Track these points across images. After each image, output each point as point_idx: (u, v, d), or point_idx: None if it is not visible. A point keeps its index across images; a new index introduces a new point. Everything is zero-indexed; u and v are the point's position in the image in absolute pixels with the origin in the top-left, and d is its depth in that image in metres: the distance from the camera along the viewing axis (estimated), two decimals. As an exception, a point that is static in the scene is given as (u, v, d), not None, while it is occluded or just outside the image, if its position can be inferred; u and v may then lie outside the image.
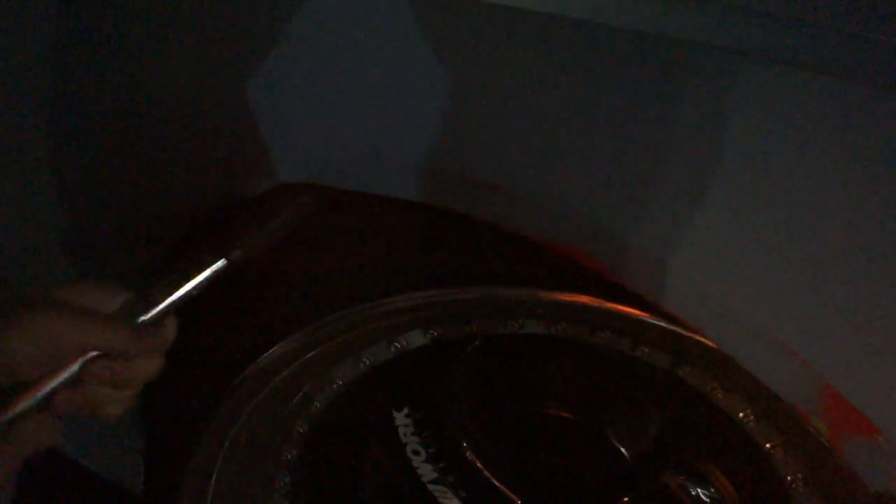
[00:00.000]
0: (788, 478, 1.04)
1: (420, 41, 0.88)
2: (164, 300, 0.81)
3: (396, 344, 1.14)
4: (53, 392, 0.75)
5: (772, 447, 1.05)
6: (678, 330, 0.93)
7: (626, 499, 1.11)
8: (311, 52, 0.94)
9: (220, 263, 0.83)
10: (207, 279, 0.83)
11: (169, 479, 1.26)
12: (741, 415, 1.06)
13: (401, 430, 1.20)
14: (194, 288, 0.82)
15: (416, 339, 1.13)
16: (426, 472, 1.19)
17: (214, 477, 1.25)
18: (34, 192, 1.23)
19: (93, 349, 0.75)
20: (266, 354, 1.14)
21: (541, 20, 0.83)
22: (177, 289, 0.81)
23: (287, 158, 0.99)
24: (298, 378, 1.18)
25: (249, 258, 0.86)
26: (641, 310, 0.94)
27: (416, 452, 1.19)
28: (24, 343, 0.71)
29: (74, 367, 0.75)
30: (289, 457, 1.24)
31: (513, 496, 1.14)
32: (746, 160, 0.78)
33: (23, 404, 0.74)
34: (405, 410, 1.20)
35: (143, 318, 0.79)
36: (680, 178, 0.80)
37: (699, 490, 1.16)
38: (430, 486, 1.18)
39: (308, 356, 1.14)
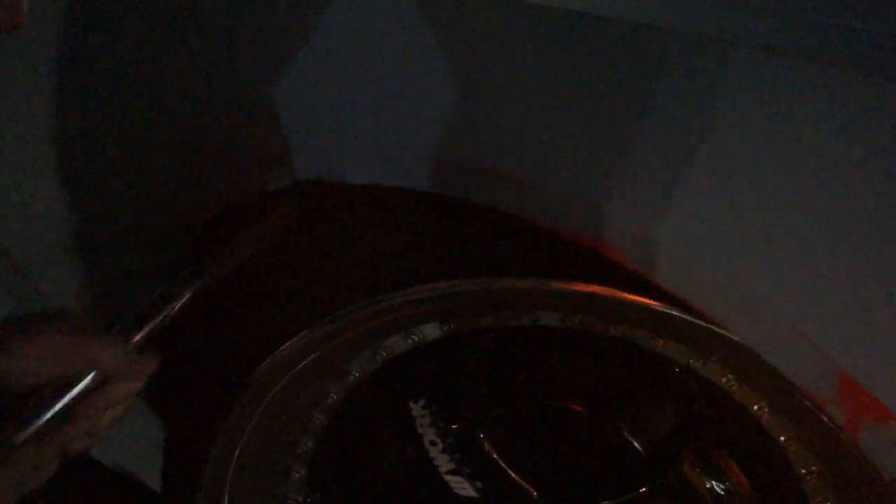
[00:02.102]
0: (803, 470, 1.04)
1: (427, 34, 0.89)
2: (149, 324, 0.83)
3: (413, 336, 1.15)
4: (68, 407, 0.75)
5: (786, 440, 1.05)
6: (695, 321, 0.94)
7: (642, 490, 1.11)
8: (320, 48, 0.94)
9: (195, 285, 0.86)
10: (185, 303, 0.85)
11: (187, 471, 1.27)
12: (756, 407, 1.07)
13: (417, 421, 1.21)
14: (174, 311, 0.85)
15: (433, 331, 1.14)
16: (443, 462, 1.19)
17: (231, 469, 1.26)
18: (43, 193, 1.24)
19: (93, 367, 0.76)
20: (283, 346, 1.15)
21: (546, 13, 0.84)
22: (159, 313, 0.84)
23: (299, 155, 1.00)
24: (315, 370, 1.19)
25: (221, 277, 0.88)
26: (658, 300, 0.94)
27: (432, 443, 1.20)
28: (32, 356, 0.73)
29: (87, 382, 0.76)
30: (305, 448, 1.25)
31: (529, 487, 1.14)
32: (757, 151, 0.79)
33: (40, 419, 0.74)
34: (422, 401, 1.21)
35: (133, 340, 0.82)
36: (692, 169, 0.81)
37: (714, 483, 1.16)
38: (447, 477, 1.19)
39: (325, 348, 1.15)
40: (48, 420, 0.74)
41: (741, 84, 0.79)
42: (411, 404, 1.22)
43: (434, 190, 0.93)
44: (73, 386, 0.75)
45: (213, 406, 1.20)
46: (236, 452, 1.25)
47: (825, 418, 0.90)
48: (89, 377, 0.76)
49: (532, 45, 0.86)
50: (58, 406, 0.74)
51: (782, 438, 1.05)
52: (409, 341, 1.16)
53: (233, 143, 1.05)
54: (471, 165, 0.91)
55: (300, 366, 1.17)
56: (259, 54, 1.00)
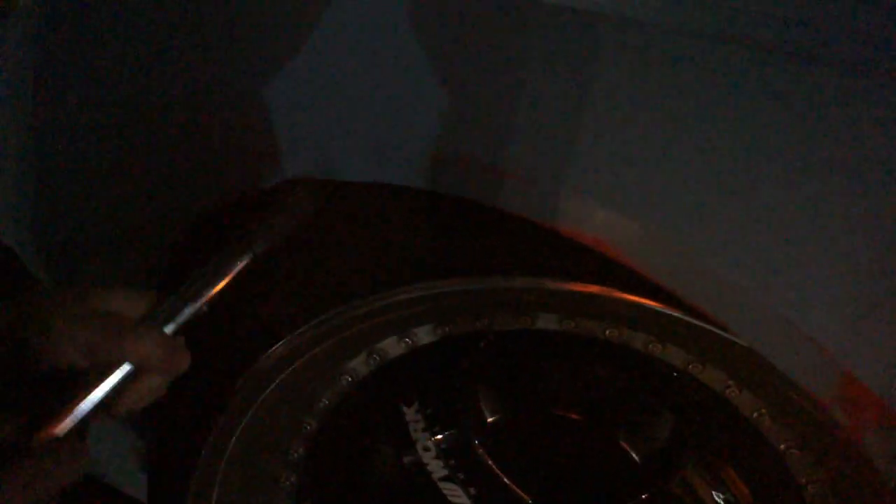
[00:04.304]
0: (804, 479, 1.03)
1: (422, 30, 0.88)
2: (196, 301, 0.81)
3: (407, 339, 1.13)
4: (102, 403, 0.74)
5: (787, 448, 1.04)
6: (695, 322, 0.93)
7: (643, 496, 1.09)
8: (314, 46, 0.93)
9: (245, 259, 0.84)
10: (235, 277, 0.83)
11: (174, 477, 1.24)
12: (756, 414, 1.05)
13: (411, 426, 1.19)
14: (224, 287, 0.82)
15: (427, 334, 1.12)
16: (436, 468, 1.17)
17: (219, 477, 1.24)
18: (36, 192, 1.23)
19: (129, 359, 0.75)
20: (272, 349, 1.13)
21: (540, 9, 0.83)
22: (208, 289, 0.82)
23: (294, 152, 0.98)
24: (306, 374, 1.17)
25: (272, 250, 0.86)
26: (659, 301, 0.93)
27: (426, 449, 1.18)
28: (70, 339, 0.72)
29: (118, 379, 0.75)
30: (295, 455, 1.23)
31: (523, 495, 1.12)
32: (756, 148, 0.78)
33: (77, 412, 0.73)
34: (415, 406, 1.19)
35: (174, 323, 0.79)
36: (690, 167, 0.80)
37: (713, 492, 1.15)
38: (441, 484, 1.17)
39: (316, 351, 1.13)
40: (88, 413, 0.74)
41: (739, 82, 0.78)
42: (405, 409, 1.20)
43: (429, 187, 0.91)
44: (109, 378, 0.74)
45: (200, 410, 1.18)
46: (224, 459, 1.22)
47: (828, 424, 0.88)
48: (125, 370, 0.75)
49: (528, 41, 0.85)
50: (97, 399, 0.74)
51: (783, 446, 1.04)
52: (403, 344, 1.14)
53: (225, 140, 1.04)
54: (466, 162, 0.89)
55: (290, 369, 1.15)
56: (254, 51, 0.98)
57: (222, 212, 1.07)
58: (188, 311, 0.80)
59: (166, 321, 0.79)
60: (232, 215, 1.05)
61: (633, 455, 1.17)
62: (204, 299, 0.81)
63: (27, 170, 1.21)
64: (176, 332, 0.80)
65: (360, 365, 1.17)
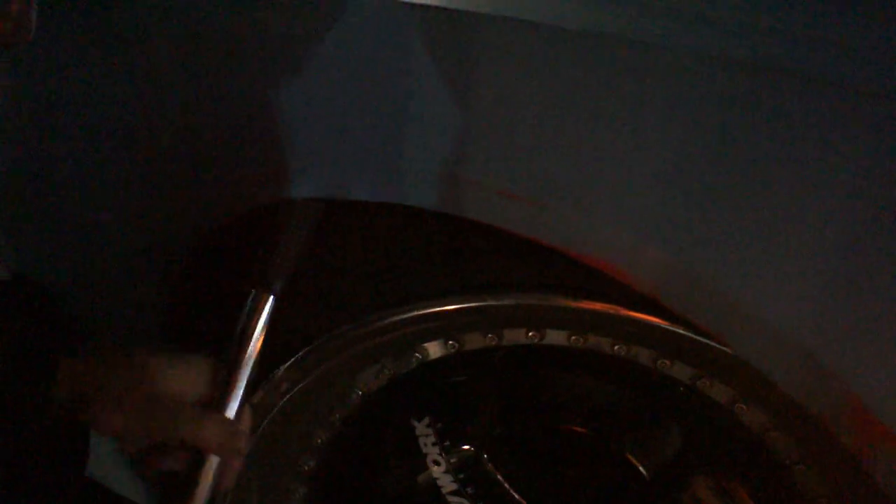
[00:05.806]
0: (811, 495, 1.03)
1: (430, 50, 0.89)
2: (245, 369, 0.85)
3: (418, 354, 1.14)
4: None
5: (793, 463, 1.04)
6: (702, 339, 0.93)
7: (655, 512, 1.10)
8: (321, 65, 0.94)
9: (271, 302, 0.86)
10: (265, 331, 0.86)
11: (185, 489, 1.25)
12: (763, 430, 1.05)
13: (421, 440, 1.20)
14: (258, 352, 0.86)
15: (438, 349, 1.13)
16: (446, 482, 1.18)
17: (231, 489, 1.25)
18: (36, 216, 1.23)
19: (203, 447, 0.84)
20: (284, 364, 1.14)
21: (549, 31, 0.84)
22: (249, 351, 0.86)
23: (301, 171, 0.99)
24: (317, 388, 1.18)
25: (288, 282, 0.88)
26: (665, 319, 0.93)
27: (436, 462, 1.19)
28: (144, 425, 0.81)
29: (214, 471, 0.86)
30: (307, 467, 1.24)
31: (533, 509, 1.13)
32: (761, 165, 0.78)
33: None
34: (426, 420, 1.20)
35: (236, 401, 0.86)
36: (695, 188, 0.80)
37: (721, 507, 1.15)
38: (450, 498, 1.18)
39: (327, 366, 1.14)
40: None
41: (743, 101, 0.78)
42: (415, 423, 1.21)
43: (437, 207, 0.92)
44: (211, 472, 0.86)
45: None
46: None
47: (835, 440, 0.88)
48: (214, 469, 0.86)
49: (536, 63, 0.86)
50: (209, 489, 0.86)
51: (789, 461, 1.04)
52: (414, 359, 1.15)
53: (231, 158, 1.04)
54: (475, 183, 0.90)
55: (302, 384, 1.16)
56: (260, 69, 0.99)
57: (228, 230, 1.08)
58: (243, 380, 0.84)
59: (225, 400, 0.85)
60: (239, 237, 1.05)
61: (642, 470, 1.17)
62: (252, 363, 0.84)
63: (25, 194, 1.22)
64: (242, 406, 0.87)
65: (371, 379, 1.18)
